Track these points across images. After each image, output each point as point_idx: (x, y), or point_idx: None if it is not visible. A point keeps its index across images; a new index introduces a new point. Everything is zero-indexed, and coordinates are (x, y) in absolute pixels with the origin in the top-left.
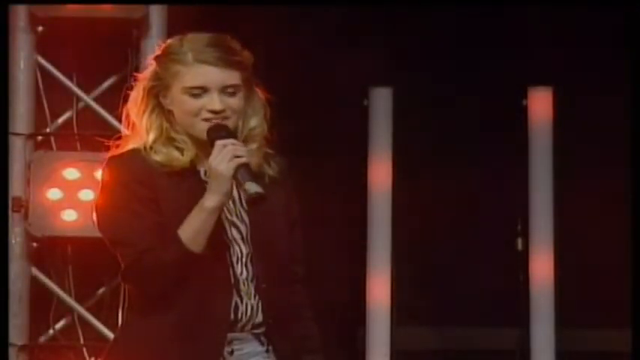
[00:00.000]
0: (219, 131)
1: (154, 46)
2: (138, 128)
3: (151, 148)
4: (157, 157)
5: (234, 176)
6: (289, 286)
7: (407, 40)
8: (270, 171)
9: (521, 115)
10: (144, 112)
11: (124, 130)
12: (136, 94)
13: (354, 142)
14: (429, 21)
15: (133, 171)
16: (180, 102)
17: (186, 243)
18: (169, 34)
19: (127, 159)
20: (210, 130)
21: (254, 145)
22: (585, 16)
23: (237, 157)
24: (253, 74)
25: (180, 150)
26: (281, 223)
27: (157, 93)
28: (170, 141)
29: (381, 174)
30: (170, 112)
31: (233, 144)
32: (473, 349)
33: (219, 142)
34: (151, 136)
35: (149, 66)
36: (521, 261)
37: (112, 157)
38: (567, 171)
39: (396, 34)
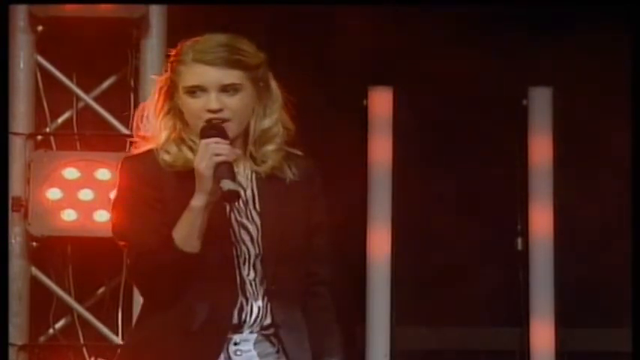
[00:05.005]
0: (209, 130)
1: (153, 46)
2: (155, 128)
3: (161, 147)
4: (165, 157)
5: (214, 174)
6: (310, 290)
7: (407, 39)
8: (291, 174)
9: (520, 114)
10: (160, 112)
11: (124, 130)
12: (153, 95)
13: (354, 142)
14: (430, 21)
15: (142, 172)
16: (183, 102)
17: (178, 244)
18: (169, 34)
19: (137, 160)
20: (201, 130)
21: (271, 147)
22: (585, 15)
23: (217, 155)
24: (267, 74)
25: (193, 150)
26: (297, 227)
27: (172, 94)
28: (182, 141)
29: (380, 175)
30: (183, 112)
31: (216, 142)
32: (473, 349)
33: (202, 142)
34: (163, 136)
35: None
36: (521, 261)
37: (126, 158)
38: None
39: (397, 34)
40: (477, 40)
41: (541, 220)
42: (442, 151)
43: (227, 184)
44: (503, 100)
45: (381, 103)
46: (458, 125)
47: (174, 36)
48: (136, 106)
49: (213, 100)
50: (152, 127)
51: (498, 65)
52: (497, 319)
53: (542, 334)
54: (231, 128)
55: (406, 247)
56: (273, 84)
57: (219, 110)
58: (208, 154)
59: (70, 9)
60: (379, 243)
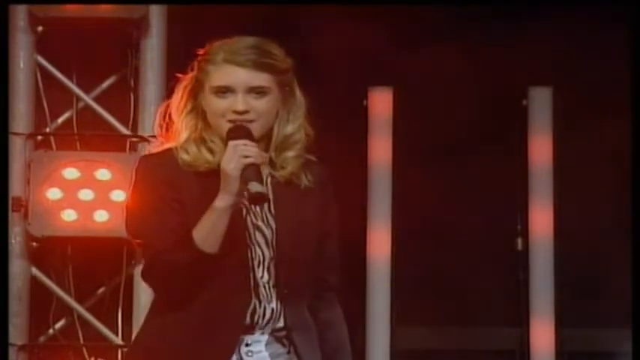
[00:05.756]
0: (237, 132)
1: (153, 46)
2: (177, 127)
3: (181, 147)
4: (185, 157)
5: (242, 176)
6: (319, 295)
7: (407, 39)
8: (306, 181)
9: (520, 114)
10: (182, 111)
11: (124, 130)
12: (177, 94)
13: (354, 142)
14: (430, 20)
15: (160, 171)
16: (208, 102)
17: (198, 244)
18: (169, 34)
19: (156, 158)
20: (229, 131)
21: (291, 153)
22: (585, 15)
23: (246, 157)
24: (293, 80)
25: (212, 151)
26: (310, 233)
27: (196, 94)
28: (202, 141)
29: (380, 175)
30: (205, 112)
31: (245, 144)
32: (473, 349)
33: (231, 143)
34: (183, 136)
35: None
36: (521, 261)
37: (144, 157)
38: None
39: (396, 34)
40: (477, 39)
41: (541, 220)
42: (442, 151)
43: (255, 187)
44: (503, 100)
45: (381, 103)
46: (458, 125)
47: (174, 36)
48: (136, 106)
49: (240, 101)
50: (175, 126)
51: (498, 65)
52: (497, 319)
53: (542, 334)
54: (255, 130)
55: (406, 247)
56: (298, 90)
57: (245, 112)
58: (237, 155)
59: (70, 9)
60: (379, 243)
